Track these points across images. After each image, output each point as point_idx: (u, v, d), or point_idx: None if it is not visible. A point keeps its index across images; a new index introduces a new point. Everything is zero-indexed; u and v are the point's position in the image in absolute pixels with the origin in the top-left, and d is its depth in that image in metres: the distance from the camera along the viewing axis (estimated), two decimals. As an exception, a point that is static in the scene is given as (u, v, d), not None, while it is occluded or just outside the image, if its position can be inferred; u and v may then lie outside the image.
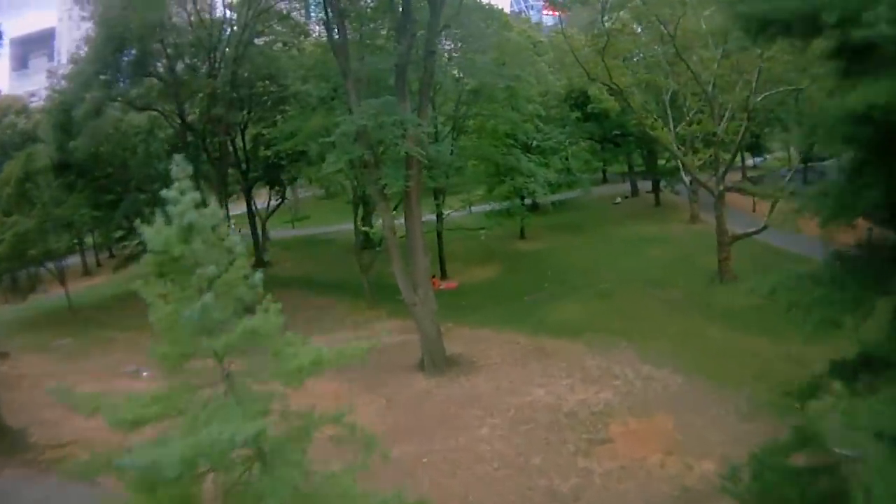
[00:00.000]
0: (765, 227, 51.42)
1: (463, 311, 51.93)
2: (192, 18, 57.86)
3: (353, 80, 37.50)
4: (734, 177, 79.95)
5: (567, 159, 75.56)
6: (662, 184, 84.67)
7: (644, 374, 38.28)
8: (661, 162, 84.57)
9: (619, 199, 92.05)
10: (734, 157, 54.49)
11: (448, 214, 63.22)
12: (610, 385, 37.35)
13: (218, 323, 13.14)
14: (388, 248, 39.22)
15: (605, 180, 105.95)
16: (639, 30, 57.61)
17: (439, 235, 62.38)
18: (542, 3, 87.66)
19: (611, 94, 65.94)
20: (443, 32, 43.57)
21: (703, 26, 50.61)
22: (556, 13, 77.17)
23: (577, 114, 79.04)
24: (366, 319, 52.67)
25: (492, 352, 43.71)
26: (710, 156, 54.80)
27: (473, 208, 71.41)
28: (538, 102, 66.25)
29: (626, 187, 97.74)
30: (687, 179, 70.35)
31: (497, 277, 62.38)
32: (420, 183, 38.49)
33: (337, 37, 38.85)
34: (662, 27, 49.43)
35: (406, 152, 34.49)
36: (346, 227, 67.14)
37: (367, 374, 39.69)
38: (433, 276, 54.38)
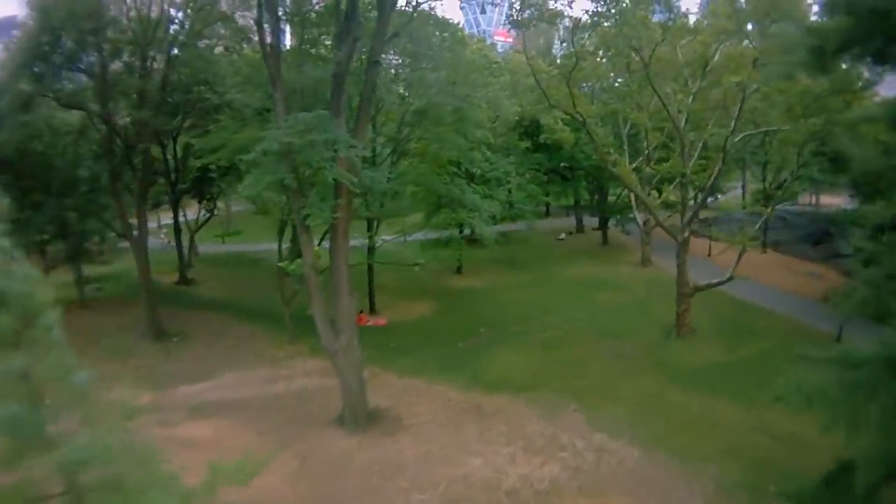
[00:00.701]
0: (731, 279, 47.95)
1: (391, 355, 47.03)
2: (131, 13, 52.12)
3: (283, 89, 32.49)
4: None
5: (510, 192, 71.49)
6: (612, 222, 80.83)
7: (596, 444, 33.90)
8: (612, 198, 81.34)
9: (563, 235, 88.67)
10: (704, 199, 50.77)
11: (380, 245, 57.98)
12: (556, 457, 32.80)
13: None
14: (308, 287, 33.88)
15: (548, 213, 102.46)
16: (603, 58, 53.47)
17: (370, 267, 57.40)
18: (493, 29, 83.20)
19: (567, 125, 62.38)
20: (391, 43, 39.09)
21: (680, 56, 46.95)
22: (508, 38, 73.98)
23: (526, 143, 75.38)
24: (286, 355, 47.69)
25: (421, 407, 38.85)
26: (672, 196, 51.07)
27: (409, 237, 66.36)
28: (487, 129, 61.99)
29: (571, 222, 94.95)
30: (640, 219, 67.21)
31: (430, 316, 57.70)
32: (350, 214, 33.55)
33: (270, 39, 33.72)
34: (635, 54, 45.37)
35: (335, 179, 29.36)
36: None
37: (282, 422, 36.35)
38: (360, 312, 51.13)
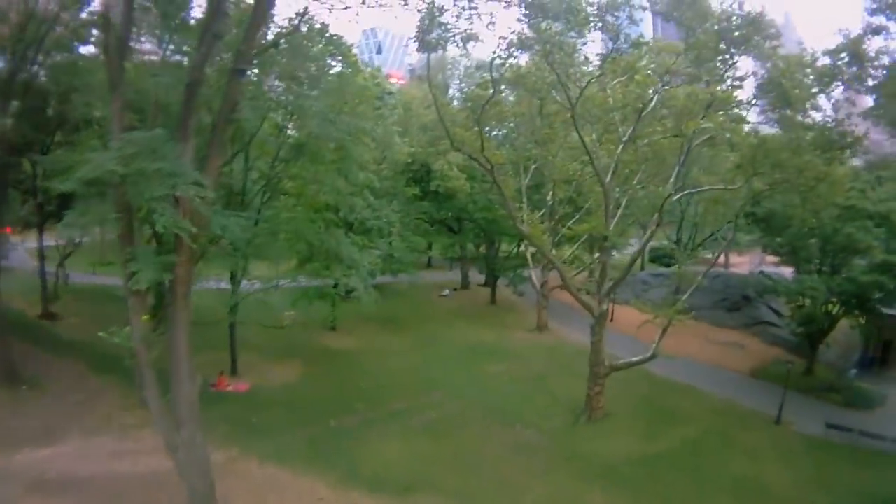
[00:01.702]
0: (654, 356, 43.03)
1: (253, 434, 39.26)
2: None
3: (121, 99, 24.66)
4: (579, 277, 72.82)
5: (391, 243, 65.03)
6: (505, 281, 75.15)
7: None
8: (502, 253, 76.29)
9: (447, 292, 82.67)
10: (628, 269, 44.89)
11: (246, 291, 49.43)
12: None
13: None
14: (139, 369, 25.73)
15: (429, 265, 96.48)
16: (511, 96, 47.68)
17: (233, 311, 48.32)
18: (387, 70, 76.95)
19: (463, 172, 56.67)
20: (270, 62, 32.23)
21: (611, 100, 41.63)
22: (402, 80, 68.35)
23: (414, 190, 69.04)
24: (136, 423, 38.36)
25: (285, 511, 31.31)
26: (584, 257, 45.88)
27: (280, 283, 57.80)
28: (372, 171, 55.43)
29: (455, 276, 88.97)
30: (537, 280, 62.03)
31: (299, 382, 49.69)
32: (191, 274, 25.75)
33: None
34: (556, 93, 39.81)
35: (164, 227, 21.48)
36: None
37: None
38: (221, 373, 46.70)
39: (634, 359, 44.06)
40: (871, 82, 35.66)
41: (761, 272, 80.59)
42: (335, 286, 52.59)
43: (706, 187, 42.71)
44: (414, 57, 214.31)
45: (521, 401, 46.70)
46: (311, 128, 41.21)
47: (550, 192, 62.31)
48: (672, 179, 40.65)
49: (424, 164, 68.95)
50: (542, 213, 59.98)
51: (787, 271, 71.70)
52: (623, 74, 41.50)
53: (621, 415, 44.38)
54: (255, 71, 34.10)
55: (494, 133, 58.68)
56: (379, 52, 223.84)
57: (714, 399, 49.74)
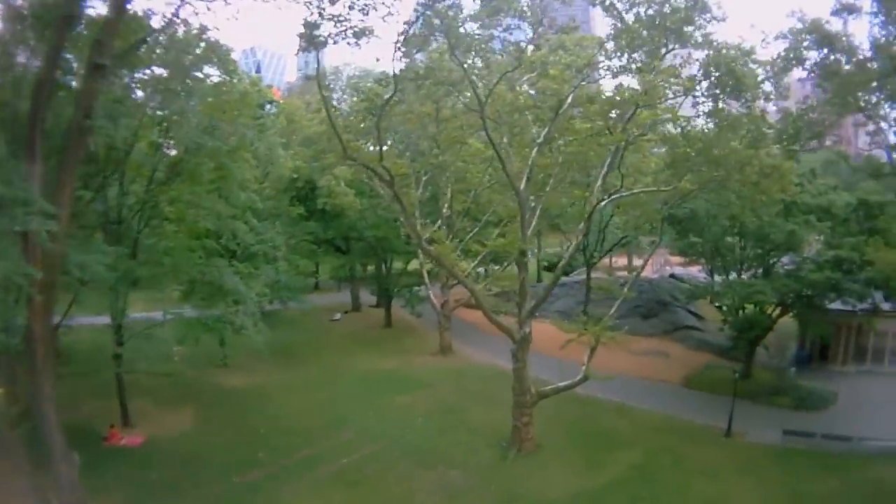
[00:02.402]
0: (586, 379, 39.78)
1: (153, 493, 34.31)
2: None
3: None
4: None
5: (278, 270, 59.65)
6: (401, 301, 70.64)
7: None
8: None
9: (338, 315, 77.88)
10: (552, 284, 41.25)
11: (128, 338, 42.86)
12: None
13: None
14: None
15: (317, 287, 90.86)
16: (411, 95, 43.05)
17: (118, 360, 42.18)
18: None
19: (351, 188, 52.05)
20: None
21: (521, 99, 37.82)
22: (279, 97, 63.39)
23: (299, 209, 63.72)
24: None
25: None
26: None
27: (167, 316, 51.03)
28: (254, 190, 50.06)
29: (344, 298, 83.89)
30: (436, 300, 58.04)
31: (195, 430, 44.13)
32: (48, 332, 20.39)
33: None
34: (458, 94, 35.79)
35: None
36: None
37: None
38: (112, 426, 41.76)
39: (562, 384, 40.75)
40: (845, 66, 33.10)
41: (672, 275, 79.17)
42: (221, 320, 46.76)
43: (637, 189, 39.20)
44: (293, 74, 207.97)
45: (439, 436, 42.74)
46: (185, 141, 35.94)
47: (447, 205, 58.29)
48: (599, 183, 37.31)
49: (309, 181, 64.08)
50: (436, 226, 56.09)
51: (694, 273, 70.57)
52: (533, 71, 38.07)
53: (554, 444, 40.94)
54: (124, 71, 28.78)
55: (388, 141, 53.95)
56: (258, 71, 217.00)
57: (652, 416, 47.12)
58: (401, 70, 34.50)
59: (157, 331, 43.90)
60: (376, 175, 37.51)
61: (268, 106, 59.86)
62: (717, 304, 58.03)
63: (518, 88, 39.13)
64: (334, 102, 69.28)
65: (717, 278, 56.33)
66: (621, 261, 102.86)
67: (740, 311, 53.13)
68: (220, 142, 37.75)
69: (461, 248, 51.85)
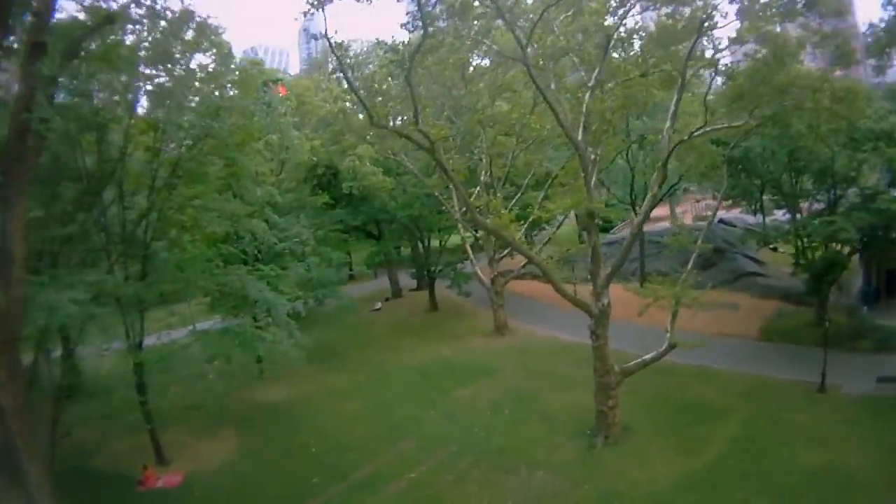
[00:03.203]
0: (672, 347, 34.69)
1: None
2: None
3: None
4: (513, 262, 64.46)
5: (309, 267, 54.76)
6: (445, 282, 65.55)
7: None
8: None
9: (379, 305, 73.23)
10: (629, 247, 35.31)
11: (156, 359, 37.96)
12: None
13: None
14: None
15: (352, 277, 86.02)
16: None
17: (142, 389, 36.66)
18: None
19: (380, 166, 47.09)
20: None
21: (562, 40, 32.42)
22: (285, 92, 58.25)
23: (324, 197, 58.52)
24: None
25: None
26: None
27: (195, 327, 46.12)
28: (271, 183, 45.26)
29: (382, 285, 79.11)
30: (485, 277, 53.17)
31: (240, 458, 39.22)
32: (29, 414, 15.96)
33: None
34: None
35: None
36: None
37: None
38: (145, 468, 36.68)
39: (648, 356, 35.33)
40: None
41: (721, 221, 73.69)
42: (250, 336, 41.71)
43: (710, 127, 33.45)
44: (296, 68, 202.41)
45: (513, 431, 37.64)
46: (189, 133, 31.29)
47: (485, 171, 52.99)
48: (668, 124, 31.86)
49: (330, 167, 59.12)
50: (475, 194, 51.18)
51: (742, 217, 65.94)
52: (569, 9, 32.80)
53: (643, 426, 35.91)
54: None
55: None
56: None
57: (738, 377, 42.02)
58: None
59: (189, 349, 39.13)
60: (412, 141, 31.94)
61: (272, 83, 54.58)
62: (772, 247, 54.17)
63: (556, 30, 33.56)
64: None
65: (771, 219, 52.78)
66: (660, 212, 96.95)
67: (811, 252, 48.24)
68: (225, 126, 32.99)
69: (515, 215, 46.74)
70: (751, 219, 69.17)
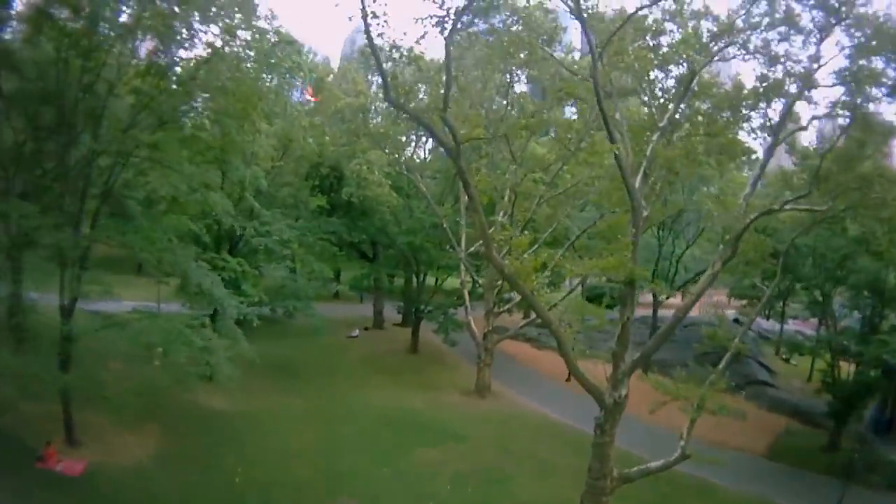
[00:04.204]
0: (685, 458, 28.68)
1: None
2: None
3: None
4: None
5: (293, 269, 48.44)
6: (432, 326, 59.48)
7: None
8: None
9: (357, 332, 66.54)
10: (671, 329, 28.96)
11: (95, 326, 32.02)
12: None
13: None
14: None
15: (337, 296, 79.90)
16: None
17: (65, 363, 31.03)
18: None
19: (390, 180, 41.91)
20: None
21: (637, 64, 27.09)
22: (315, 97, 53.18)
23: (320, 200, 52.43)
24: None
25: None
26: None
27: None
28: (264, 169, 39.51)
29: (365, 311, 73.10)
30: (476, 329, 47.51)
31: (154, 462, 33.07)
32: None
33: None
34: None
35: None
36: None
37: None
38: (48, 443, 31.25)
39: (654, 464, 29.24)
40: None
41: (735, 320, 68.13)
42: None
43: (789, 207, 27.61)
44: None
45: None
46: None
47: (504, 211, 46.84)
48: (749, 190, 26.21)
49: (335, 168, 53.24)
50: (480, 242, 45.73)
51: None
52: (647, 35, 27.31)
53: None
54: None
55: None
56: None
57: (740, 499, 36.78)
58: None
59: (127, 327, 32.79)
60: (431, 135, 26.07)
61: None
62: (785, 357, 54.95)
63: (630, 53, 27.90)
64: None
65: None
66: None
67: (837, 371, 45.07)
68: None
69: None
70: (764, 323, 65.31)
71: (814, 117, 27.95)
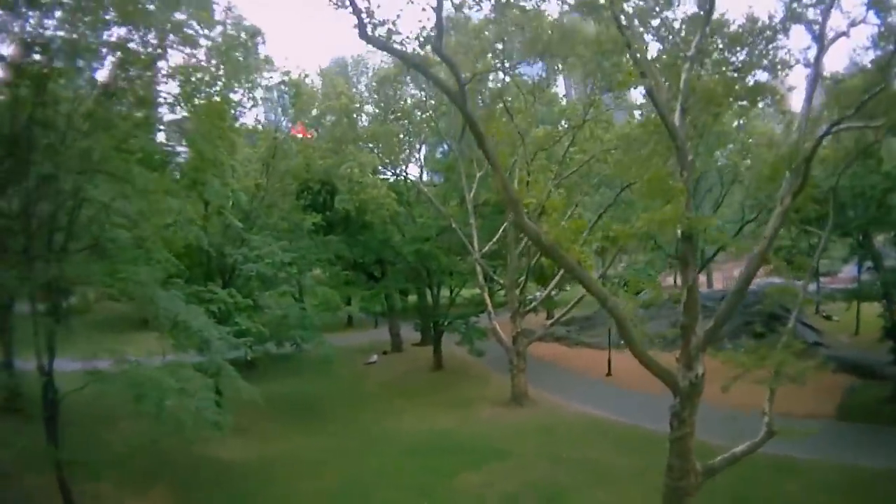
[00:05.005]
0: (771, 435, 24.64)
1: None
2: None
3: None
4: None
5: (298, 297, 44.42)
6: (454, 338, 55.23)
7: None
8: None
9: (374, 357, 62.45)
10: (738, 297, 24.21)
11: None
12: None
13: None
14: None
15: (350, 324, 76.41)
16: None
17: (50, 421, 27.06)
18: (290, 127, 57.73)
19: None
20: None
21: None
22: (306, 133, 50.09)
23: (314, 218, 48.61)
24: None
25: None
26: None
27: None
28: (243, 187, 35.86)
29: (380, 335, 69.08)
30: (504, 335, 43.55)
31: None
32: None
33: None
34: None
35: None
36: None
37: None
38: None
39: (739, 448, 24.77)
40: None
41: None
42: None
43: (845, 124, 23.71)
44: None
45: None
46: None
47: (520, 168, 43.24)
48: (805, 105, 22.28)
49: (327, 183, 49.59)
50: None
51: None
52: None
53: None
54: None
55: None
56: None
57: (825, 468, 32.48)
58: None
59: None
60: (427, 77, 22.06)
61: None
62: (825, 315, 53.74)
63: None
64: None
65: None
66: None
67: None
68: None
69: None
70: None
71: (852, 24, 24.28)
